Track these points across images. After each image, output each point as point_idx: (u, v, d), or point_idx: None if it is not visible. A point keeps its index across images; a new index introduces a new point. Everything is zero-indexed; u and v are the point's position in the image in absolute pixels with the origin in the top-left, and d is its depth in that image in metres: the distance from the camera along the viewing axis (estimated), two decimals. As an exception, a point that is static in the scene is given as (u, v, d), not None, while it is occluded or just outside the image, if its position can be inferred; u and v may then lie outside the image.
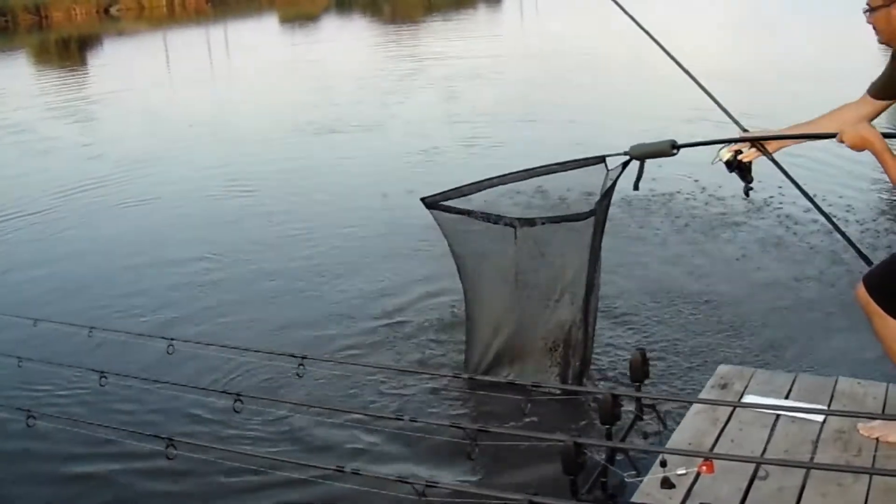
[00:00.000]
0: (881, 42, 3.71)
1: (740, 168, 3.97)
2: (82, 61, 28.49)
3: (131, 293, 7.23)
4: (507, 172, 4.71)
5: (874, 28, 3.70)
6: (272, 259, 7.85)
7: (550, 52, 21.64)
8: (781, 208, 7.98)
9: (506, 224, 4.58)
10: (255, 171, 11.18)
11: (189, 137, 13.87)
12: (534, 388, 3.00)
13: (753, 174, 3.97)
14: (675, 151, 4.23)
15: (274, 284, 7.23)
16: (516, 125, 13.10)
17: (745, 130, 4.07)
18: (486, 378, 3.81)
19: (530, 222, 4.59)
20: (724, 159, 3.99)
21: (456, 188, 4.65)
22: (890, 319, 3.62)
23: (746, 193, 4.03)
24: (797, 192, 4.19)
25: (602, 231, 4.77)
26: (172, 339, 4.90)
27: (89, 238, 9.06)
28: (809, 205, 4.26)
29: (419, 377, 5.12)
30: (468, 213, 4.59)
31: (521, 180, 4.70)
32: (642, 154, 4.30)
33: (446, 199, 4.64)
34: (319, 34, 35.94)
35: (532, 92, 15.54)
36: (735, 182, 4.06)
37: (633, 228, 7.84)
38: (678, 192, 8.74)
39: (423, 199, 4.64)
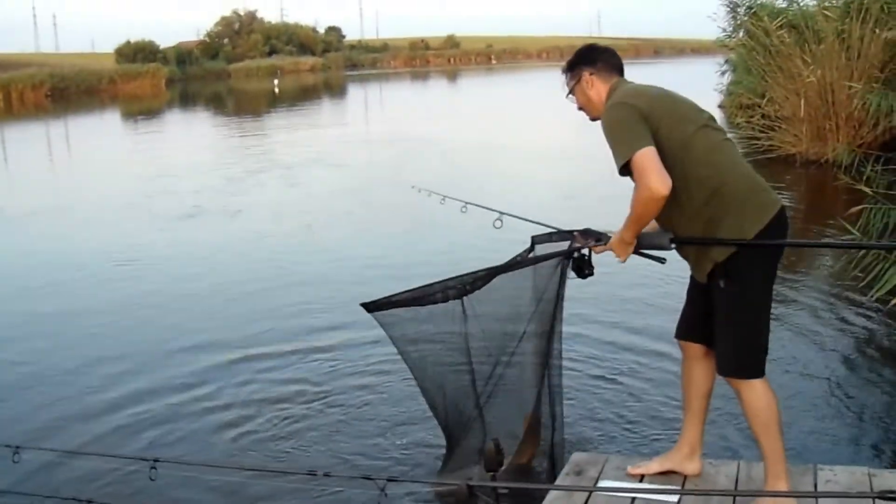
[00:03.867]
0: (592, 119, 3.88)
1: (580, 266, 4.10)
2: None
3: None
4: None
5: (582, 109, 3.92)
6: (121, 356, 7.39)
7: (394, 138, 22.08)
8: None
9: (453, 297, 4.14)
10: (80, 265, 10.71)
11: (18, 231, 13.32)
12: (390, 481, 2.96)
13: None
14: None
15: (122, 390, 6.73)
16: (365, 203, 13.25)
17: (572, 233, 4.18)
18: (339, 475, 3.68)
19: (472, 285, 4.16)
20: (571, 268, 4.13)
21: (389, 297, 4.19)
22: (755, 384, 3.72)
23: (584, 277, 4.12)
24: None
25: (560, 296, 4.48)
26: (18, 447, 4.68)
27: None
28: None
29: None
30: (413, 301, 4.15)
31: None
32: None
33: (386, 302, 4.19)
34: (163, 127, 35.49)
35: (383, 172, 15.78)
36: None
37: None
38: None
39: (363, 305, 4.16)
